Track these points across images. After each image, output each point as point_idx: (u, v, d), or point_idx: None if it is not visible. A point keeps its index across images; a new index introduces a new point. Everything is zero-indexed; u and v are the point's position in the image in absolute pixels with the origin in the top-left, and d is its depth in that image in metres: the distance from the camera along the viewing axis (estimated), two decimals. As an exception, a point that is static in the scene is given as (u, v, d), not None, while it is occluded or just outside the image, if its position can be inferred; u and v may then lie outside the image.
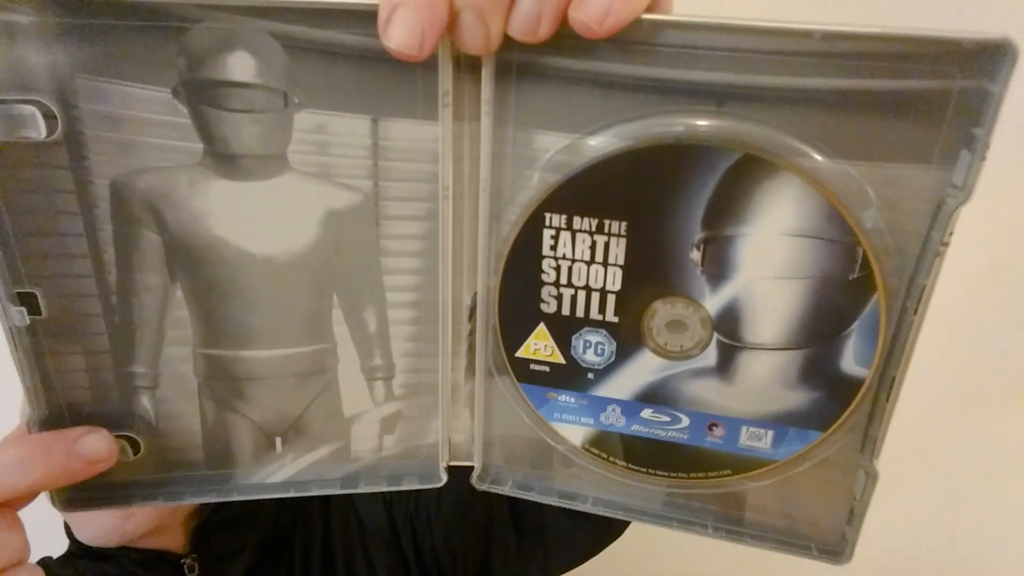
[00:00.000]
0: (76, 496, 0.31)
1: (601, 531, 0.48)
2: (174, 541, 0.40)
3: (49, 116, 0.24)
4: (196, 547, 0.40)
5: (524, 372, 0.31)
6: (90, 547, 0.37)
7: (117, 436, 0.30)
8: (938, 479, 0.84)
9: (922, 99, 0.23)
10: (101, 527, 0.37)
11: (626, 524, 0.46)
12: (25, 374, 0.28)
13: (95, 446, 0.29)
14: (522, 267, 0.29)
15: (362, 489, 0.33)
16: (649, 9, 0.23)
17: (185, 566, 0.40)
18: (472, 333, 0.31)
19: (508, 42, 0.24)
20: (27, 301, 0.27)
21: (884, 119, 0.24)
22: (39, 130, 0.24)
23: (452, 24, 0.23)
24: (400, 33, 0.22)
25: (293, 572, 0.47)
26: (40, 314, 0.27)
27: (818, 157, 0.25)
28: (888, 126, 0.24)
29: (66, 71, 0.24)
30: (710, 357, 0.29)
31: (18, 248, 0.26)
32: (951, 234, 0.25)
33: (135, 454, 0.31)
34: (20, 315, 0.27)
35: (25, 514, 0.28)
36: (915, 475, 0.82)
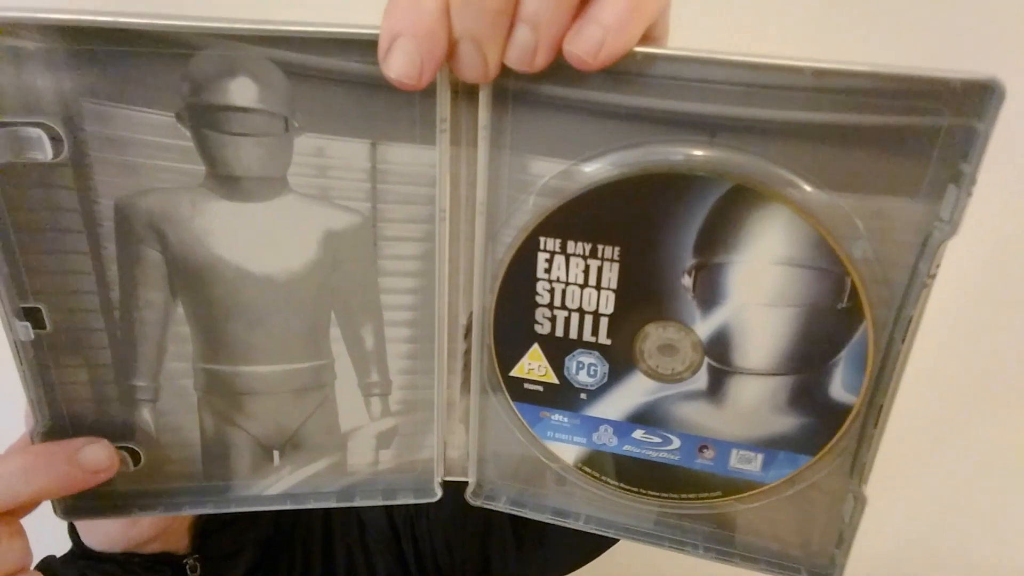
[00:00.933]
0: (77, 505, 0.31)
1: (600, 535, 0.48)
2: (177, 542, 0.40)
3: (55, 138, 0.25)
4: (198, 547, 0.41)
5: (518, 391, 0.31)
6: (88, 551, 0.38)
7: (118, 447, 0.30)
8: (938, 480, 0.83)
9: (911, 135, 0.24)
10: (107, 534, 0.38)
11: None
12: (29, 386, 0.28)
13: (96, 456, 0.29)
14: (517, 289, 0.29)
15: (358, 503, 0.34)
16: (643, 41, 0.24)
17: (187, 566, 0.40)
18: (467, 352, 0.31)
19: (505, 70, 0.24)
20: (32, 316, 0.27)
21: (873, 153, 0.24)
22: (45, 152, 0.25)
23: (451, 53, 0.23)
24: (400, 63, 0.23)
25: (294, 572, 0.48)
26: (45, 328, 0.28)
27: (808, 188, 0.25)
28: (877, 160, 0.24)
29: (72, 95, 0.24)
30: (701, 380, 0.29)
31: (24, 264, 0.27)
32: (938, 266, 0.25)
33: (135, 465, 0.31)
34: (25, 330, 0.27)
35: (26, 519, 0.29)
36: (915, 476, 0.82)
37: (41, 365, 0.28)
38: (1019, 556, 0.87)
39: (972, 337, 0.72)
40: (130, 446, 0.31)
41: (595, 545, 0.50)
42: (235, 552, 0.43)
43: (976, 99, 0.22)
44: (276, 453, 0.32)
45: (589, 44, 0.23)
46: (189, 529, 0.41)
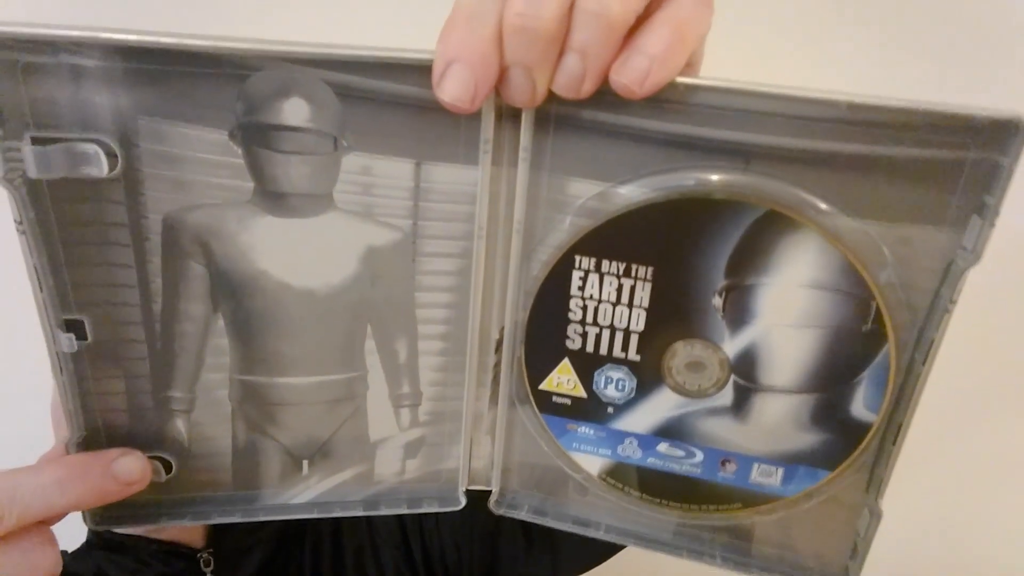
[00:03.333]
0: (107, 514, 0.32)
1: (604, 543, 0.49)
2: (191, 534, 0.41)
3: (110, 154, 0.25)
4: (212, 541, 0.41)
5: (546, 404, 0.32)
6: (108, 538, 0.38)
7: (150, 457, 0.31)
8: (940, 480, 0.84)
9: (937, 167, 0.25)
10: None
11: None
12: (67, 397, 0.29)
13: (130, 468, 0.29)
14: (550, 305, 0.30)
15: (383, 512, 0.34)
16: (682, 71, 0.25)
17: (201, 560, 0.41)
18: (497, 365, 0.32)
19: (549, 94, 0.25)
20: (75, 327, 0.28)
21: (901, 183, 0.26)
22: (101, 167, 0.25)
23: (501, 78, 0.24)
24: (454, 88, 0.23)
25: (304, 569, 0.48)
26: (86, 339, 0.28)
27: (838, 215, 0.26)
28: (904, 190, 0.26)
29: (128, 112, 0.25)
30: (726, 397, 0.30)
31: (69, 277, 0.27)
32: (960, 292, 0.26)
33: (167, 474, 0.32)
34: (69, 341, 0.28)
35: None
36: (915, 476, 0.82)
37: (80, 376, 0.29)
38: (1019, 557, 0.88)
39: (972, 338, 0.73)
40: (162, 456, 0.31)
41: (606, 547, 0.50)
42: (248, 548, 0.44)
43: (1001, 135, 0.24)
44: (305, 463, 0.33)
45: (635, 74, 0.23)
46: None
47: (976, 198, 0.25)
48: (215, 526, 0.42)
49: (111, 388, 0.29)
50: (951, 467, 0.83)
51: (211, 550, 0.41)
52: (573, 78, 0.24)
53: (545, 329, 0.30)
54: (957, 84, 0.55)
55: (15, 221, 0.25)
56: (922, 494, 0.85)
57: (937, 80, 0.56)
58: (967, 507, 0.86)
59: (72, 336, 0.28)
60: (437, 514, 0.51)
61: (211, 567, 0.41)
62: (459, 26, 0.23)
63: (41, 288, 0.26)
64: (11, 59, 0.23)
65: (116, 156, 0.25)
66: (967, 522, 0.87)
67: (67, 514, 0.29)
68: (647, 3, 0.23)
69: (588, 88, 0.24)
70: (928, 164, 0.25)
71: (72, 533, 0.38)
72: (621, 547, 0.50)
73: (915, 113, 0.24)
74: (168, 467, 0.31)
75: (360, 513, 0.34)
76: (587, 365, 0.31)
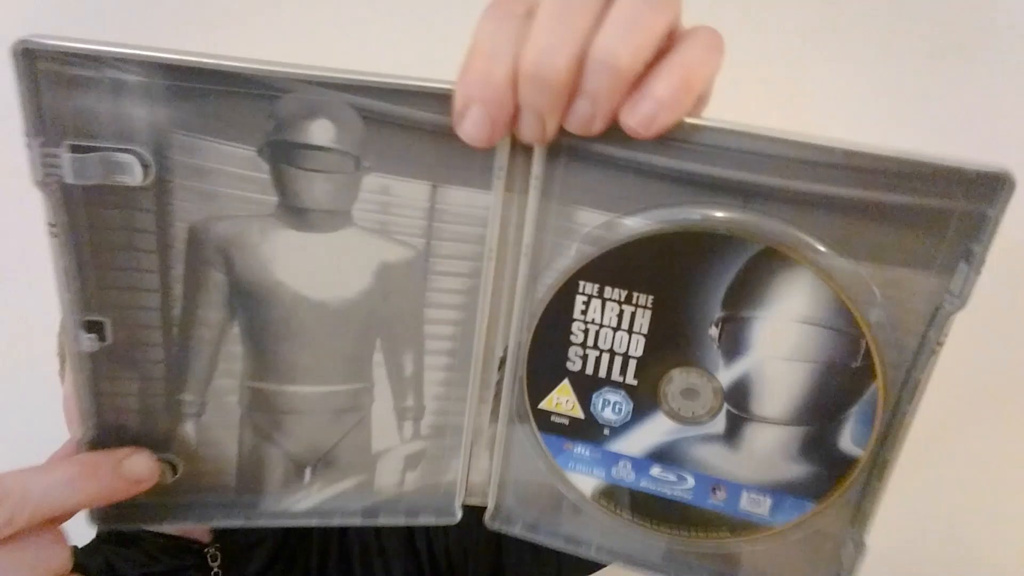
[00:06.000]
0: (111, 513, 0.32)
1: None
2: (201, 530, 0.41)
3: (144, 164, 0.26)
4: (219, 536, 0.42)
5: (545, 422, 0.33)
6: (118, 533, 0.39)
7: (159, 458, 0.32)
8: (940, 481, 0.84)
9: (928, 214, 0.26)
10: None
11: None
12: (83, 396, 0.30)
13: (139, 467, 0.30)
14: (554, 327, 0.31)
15: (381, 521, 0.35)
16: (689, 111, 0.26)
17: (208, 555, 0.41)
18: (500, 383, 0.33)
19: (560, 128, 0.26)
20: (95, 328, 0.29)
21: (893, 227, 0.27)
22: (135, 177, 0.26)
23: (514, 117, 0.25)
24: (472, 128, 0.25)
25: (310, 566, 0.49)
26: (105, 340, 0.29)
27: (831, 255, 0.28)
28: (896, 234, 0.27)
29: (165, 126, 0.26)
30: (719, 425, 0.31)
31: (94, 279, 0.28)
32: (946, 335, 0.27)
33: (173, 476, 0.32)
34: (90, 341, 0.29)
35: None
36: (916, 477, 0.82)
37: (96, 375, 0.30)
38: (1018, 558, 0.88)
39: (971, 339, 0.72)
40: (170, 458, 0.32)
41: None
42: (254, 544, 0.44)
43: (988, 188, 0.25)
44: (308, 470, 0.34)
45: (643, 118, 0.25)
46: None
47: (964, 246, 0.26)
48: None
49: (125, 389, 0.30)
50: (952, 468, 0.83)
51: (218, 545, 0.42)
52: (583, 120, 0.25)
53: (547, 350, 0.32)
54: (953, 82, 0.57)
55: (48, 224, 0.27)
56: (923, 495, 0.84)
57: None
58: (968, 507, 0.85)
59: (94, 337, 0.29)
60: None
61: (218, 562, 0.42)
62: (477, 66, 0.24)
63: (68, 289, 0.28)
64: (58, 71, 0.24)
65: (150, 166, 0.26)
66: (968, 523, 0.87)
67: (77, 512, 0.30)
68: (657, 50, 0.24)
69: (598, 128, 0.26)
70: (919, 211, 0.26)
71: (81, 528, 0.39)
72: None
73: (908, 163, 0.25)
74: (174, 469, 0.32)
75: (359, 522, 0.35)
76: (586, 387, 0.32)
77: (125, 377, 0.30)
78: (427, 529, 0.52)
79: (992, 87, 0.62)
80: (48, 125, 0.25)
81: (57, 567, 0.28)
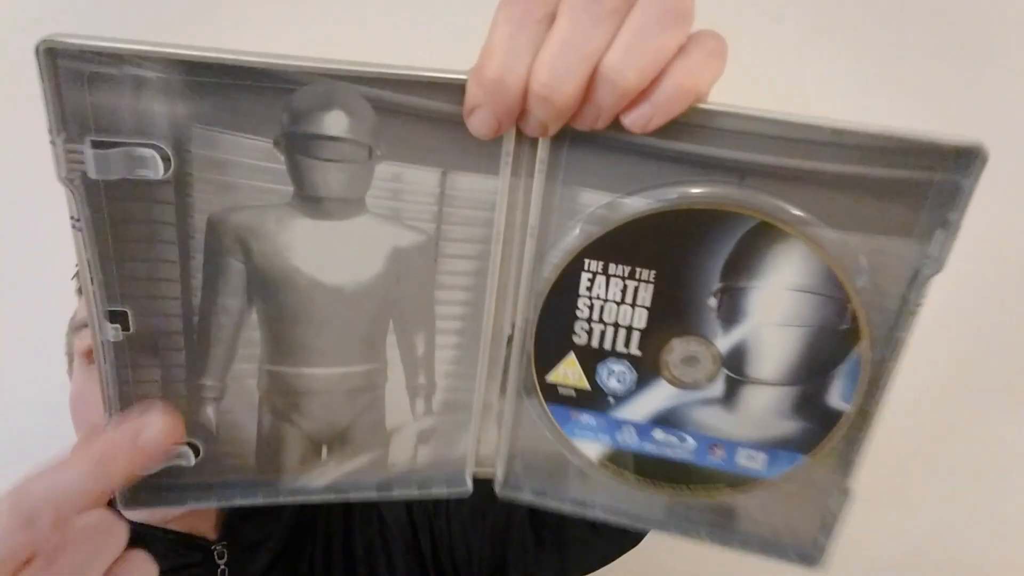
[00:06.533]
0: (137, 496, 0.33)
1: (620, 538, 0.51)
2: (207, 526, 0.42)
3: (165, 158, 0.27)
4: (226, 534, 0.43)
5: (552, 395, 0.35)
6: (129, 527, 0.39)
7: (182, 442, 0.33)
8: (939, 482, 0.85)
9: (908, 186, 0.28)
10: None
11: (644, 533, 0.49)
12: (108, 385, 0.30)
13: (157, 435, 0.30)
14: (560, 303, 0.33)
15: (395, 495, 0.37)
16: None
17: (215, 552, 0.42)
18: (508, 359, 0.35)
19: None
20: (119, 318, 0.29)
21: (877, 199, 0.29)
22: (157, 171, 0.27)
23: (521, 115, 0.27)
24: (480, 124, 0.27)
25: (315, 564, 0.50)
26: (128, 330, 0.30)
27: (821, 227, 0.30)
28: (879, 205, 0.29)
29: (184, 120, 0.26)
30: (717, 388, 0.33)
31: (116, 271, 0.29)
32: (925, 296, 0.30)
33: (196, 458, 0.33)
34: (115, 332, 0.29)
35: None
36: (916, 477, 0.84)
37: (119, 364, 0.30)
38: (1017, 559, 0.90)
39: (970, 340, 0.75)
40: (192, 441, 0.33)
41: (615, 547, 0.52)
42: (260, 541, 0.45)
43: (963, 160, 0.27)
44: (324, 448, 0.35)
45: (641, 120, 0.27)
46: (216, 513, 0.43)
47: (941, 214, 0.28)
48: (229, 519, 0.43)
49: (148, 376, 0.31)
50: (954, 468, 0.84)
51: (225, 542, 0.42)
52: (588, 121, 0.27)
53: (554, 325, 0.33)
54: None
55: (71, 218, 0.27)
56: (920, 497, 0.86)
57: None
58: (969, 508, 0.88)
59: (119, 327, 0.29)
60: (448, 512, 0.53)
61: (225, 559, 0.43)
62: (492, 70, 0.25)
63: (92, 281, 0.28)
64: (79, 68, 0.25)
65: (170, 160, 0.27)
66: (968, 523, 0.89)
67: (111, 495, 0.30)
68: (664, 65, 0.26)
69: (601, 126, 0.27)
70: (900, 183, 0.28)
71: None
72: (631, 546, 0.52)
73: (889, 139, 0.27)
74: (196, 452, 0.33)
75: (374, 495, 0.36)
76: (591, 359, 0.34)
77: (147, 365, 0.31)
78: (431, 527, 0.53)
79: (992, 86, 0.65)
80: (71, 122, 0.26)
81: (117, 545, 0.29)
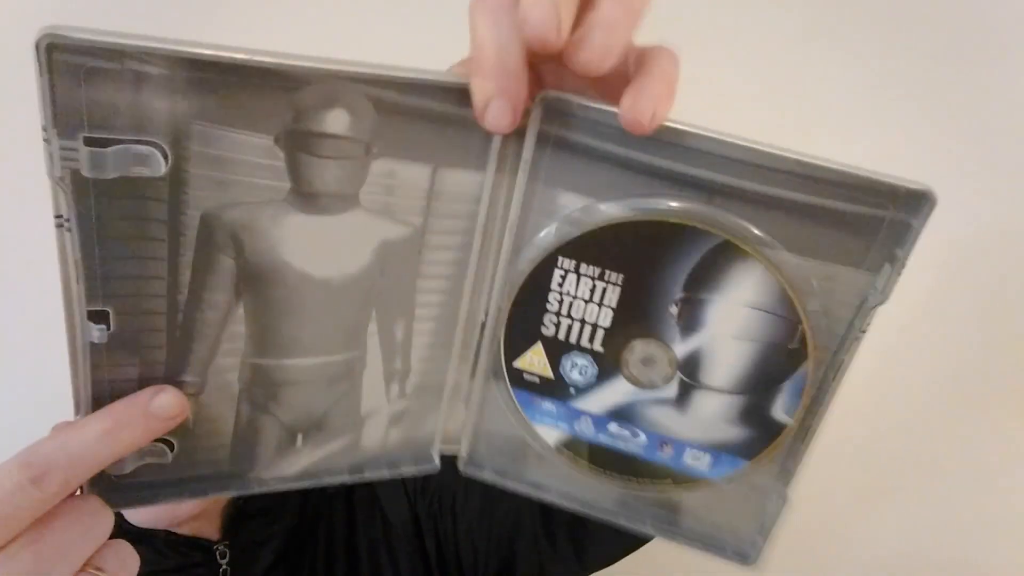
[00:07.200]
0: (112, 497, 0.31)
1: (631, 536, 0.49)
2: (210, 527, 0.42)
3: (163, 155, 0.27)
4: (228, 533, 0.43)
5: (518, 380, 0.37)
6: (127, 529, 0.39)
7: (156, 441, 0.32)
8: (939, 482, 0.86)
9: (863, 221, 0.30)
10: (152, 511, 0.39)
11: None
12: (81, 384, 0.30)
13: (168, 403, 0.30)
14: (532, 296, 0.35)
15: (367, 476, 0.38)
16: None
17: (217, 552, 0.43)
18: (480, 342, 0.37)
19: (550, 118, 0.30)
20: (101, 318, 0.29)
21: (834, 229, 0.31)
22: (156, 168, 0.27)
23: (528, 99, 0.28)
24: (498, 120, 0.27)
25: (317, 562, 0.50)
26: (110, 329, 0.29)
27: (779, 250, 0.32)
28: (835, 235, 0.31)
29: (184, 117, 0.26)
30: (671, 390, 0.36)
31: (100, 269, 0.28)
32: (869, 324, 0.32)
33: (170, 455, 0.33)
34: (100, 332, 0.29)
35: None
36: (916, 477, 0.85)
37: (95, 364, 0.29)
38: (1017, 559, 0.91)
39: (970, 340, 0.75)
40: (166, 438, 0.33)
41: (628, 544, 0.51)
42: (262, 541, 0.45)
43: (914, 203, 0.29)
44: (300, 436, 0.36)
45: (645, 112, 0.27)
46: (220, 515, 0.43)
47: (890, 249, 0.30)
48: (229, 520, 0.43)
49: (126, 375, 0.30)
50: (953, 468, 0.85)
51: (227, 542, 0.43)
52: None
53: (525, 316, 0.35)
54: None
55: (58, 217, 0.26)
56: (919, 498, 0.86)
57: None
58: (969, 508, 0.88)
59: (104, 328, 0.29)
60: (454, 512, 0.52)
61: (227, 559, 0.43)
62: (490, 61, 0.27)
63: (77, 281, 0.28)
64: (77, 63, 0.24)
65: (168, 157, 0.27)
66: (968, 523, 0.89)
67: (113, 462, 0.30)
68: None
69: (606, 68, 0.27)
70: (856, 217, 0.30)
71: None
72: (641, 543, 0.52)
73: (849, 176, 0.29)
74: (172, 447, 0.33)
75: (346, 479, 0.37)
76: (557, 350, 0.36)
77: (125, 364, 0.30)
78: (436, 529, 0.52)
79: (990, 88, 0.66)
80: (67, 119, 0.25)
81: (103, 532, 0.29)
